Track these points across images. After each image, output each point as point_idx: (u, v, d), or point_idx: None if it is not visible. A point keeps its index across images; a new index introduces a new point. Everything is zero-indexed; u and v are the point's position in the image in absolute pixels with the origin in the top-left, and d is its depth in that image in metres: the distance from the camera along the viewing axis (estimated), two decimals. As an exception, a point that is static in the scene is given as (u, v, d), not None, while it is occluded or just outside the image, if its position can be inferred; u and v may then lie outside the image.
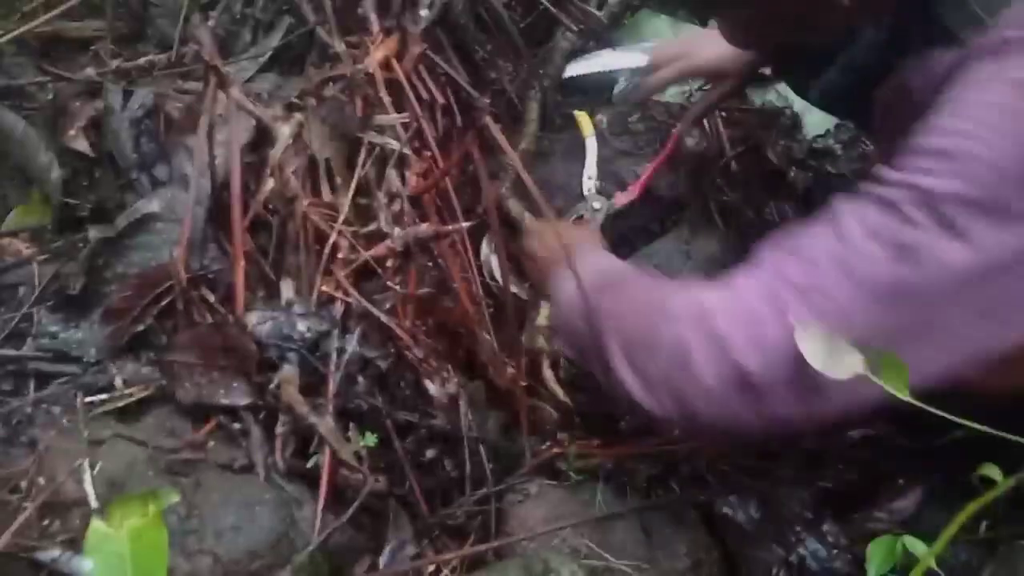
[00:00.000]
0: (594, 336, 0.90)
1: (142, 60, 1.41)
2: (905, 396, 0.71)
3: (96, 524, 0.71)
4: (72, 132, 1.29)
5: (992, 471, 0.77)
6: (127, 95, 1.31)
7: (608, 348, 0.88)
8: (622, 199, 1.43)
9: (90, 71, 1.34)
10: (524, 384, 1.21)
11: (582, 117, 1.52)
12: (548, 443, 1.21)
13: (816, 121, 1.60)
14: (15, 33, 1.39)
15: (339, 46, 1.31)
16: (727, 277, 0.84)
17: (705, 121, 1.56)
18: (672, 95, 1.62)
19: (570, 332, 0.99)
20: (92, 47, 1.50)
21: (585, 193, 1.45)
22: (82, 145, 1.28)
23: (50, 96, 1.35)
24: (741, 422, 0.80)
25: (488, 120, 1.07)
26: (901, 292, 0.76)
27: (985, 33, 0.82)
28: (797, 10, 0.91)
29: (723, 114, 1.60)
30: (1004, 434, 0.73)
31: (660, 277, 1.03)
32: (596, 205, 1.42)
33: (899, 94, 0.92)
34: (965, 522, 0.98)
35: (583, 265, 0.98)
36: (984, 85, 0.78)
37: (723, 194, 1.53)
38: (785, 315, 0.76)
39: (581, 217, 1.41)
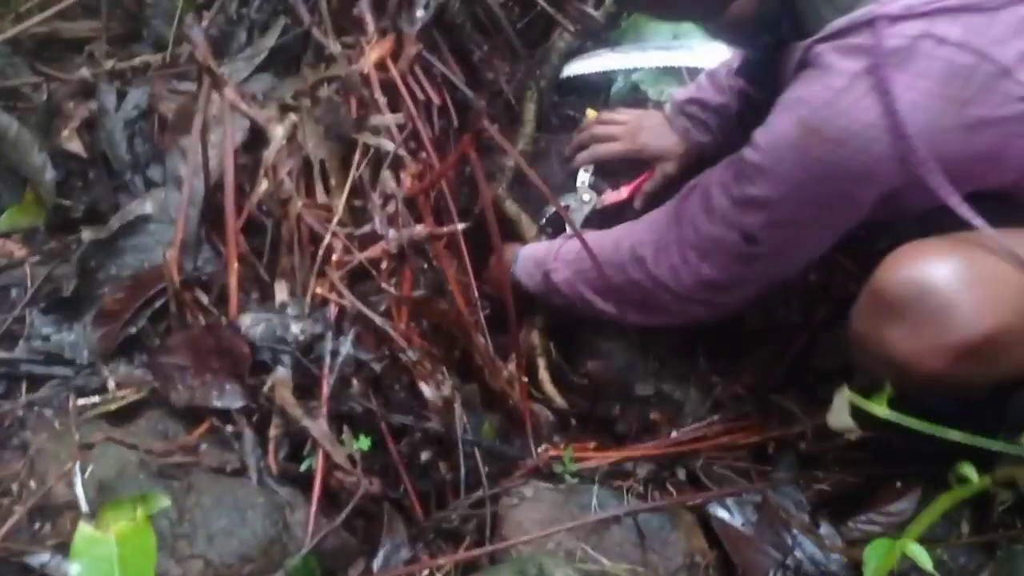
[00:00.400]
0: (570, 301, 1.27)
1: (137, 61, 1.41)
2: (884, 415, 0.84)
3: (84, 527, 0.71)
4: (66, 133, 1.29)
5: (968, 470, 0.79)
6: (121, 96, 1.31)
7: (590, 302, 1.25)
8: (611, 197, 1.44)
9: (84, 72, 1.33)
10: (520, 386, 1.20)
11: (591, 113, 1.52)
12: (544, 446, 1.20)
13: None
14: (10, 33, 1.39)
15: (334, 47, 1.30)
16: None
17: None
18: (671, 94, 1.61)
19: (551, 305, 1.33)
20: (87, 48, 1.50)
21: (577, 185, 1.45)
22: (76, 146, 1.28)
23: (44, 97, 1.35)
24: (689, 314, 1.21)
25: (486, 121, 1.06)
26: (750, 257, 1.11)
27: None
28: None
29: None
30: (977, 440, 0.78)
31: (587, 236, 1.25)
32: (585, 198, 1.43)
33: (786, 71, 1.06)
34: (959, 522, 0.99)
35: (526, 263, 1.33)
36: (787, 111, 1.00)
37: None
38: (690, 264, 1.14)
39: (568, 207, 1.41)
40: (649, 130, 1.45)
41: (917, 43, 0.91)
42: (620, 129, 1.46)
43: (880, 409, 0.91)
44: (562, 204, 1.42)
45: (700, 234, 1.13)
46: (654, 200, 1.41)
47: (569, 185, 1.47)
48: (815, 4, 1.00)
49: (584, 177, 1.46)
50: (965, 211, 0.94)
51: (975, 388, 0.96)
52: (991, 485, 0.94)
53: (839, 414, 0.94)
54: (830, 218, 1.05)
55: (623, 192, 1.44)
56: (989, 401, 0.98)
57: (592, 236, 1.25)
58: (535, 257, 1.33)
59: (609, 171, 1.48)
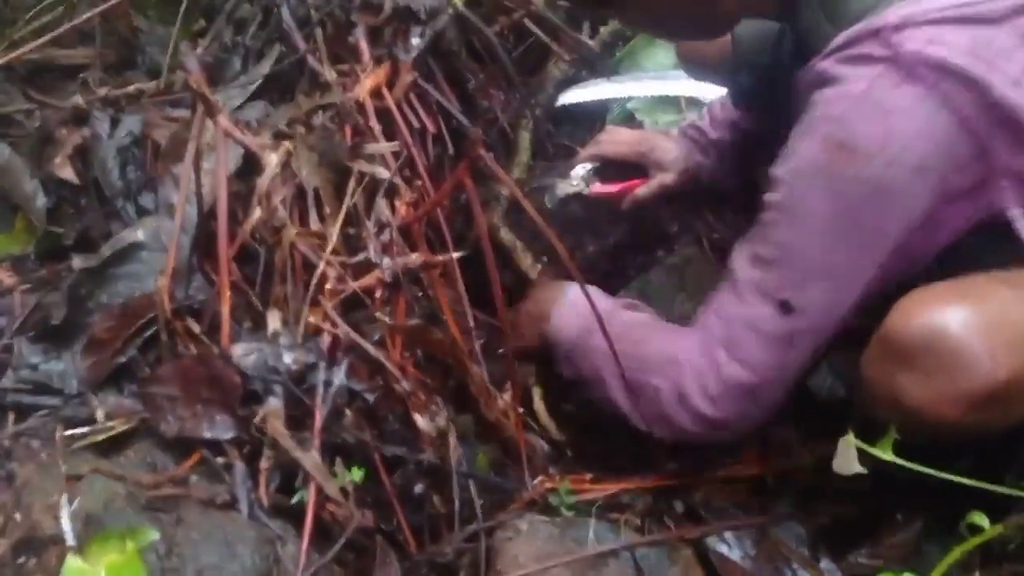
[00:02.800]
0: (593, 371, 1.19)
1: (131, 88, 1.41)
2: (889, 458, 0.85)
3: (72, 560, 0.70)
4: (58, 160, 1.28)
5: (980, 519, 0.78)
6: (114, 123, 1.30)
7: (607, 383, 1.17)
8: (599, 188, 1.44)
9: (78, 98, 1.33)
10: (516, 417, 1.19)
11: None
12: (539, 478, 1.19)
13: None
14: (3, 60, 1.39)
15: (329, 75, 1.30)
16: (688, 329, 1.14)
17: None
18: (667, 123, 1.61)
19: (570, 366, 1.24)
20: (80, 75, 1.49)
21: (571, 172, 1.46)
22: (68, 173, 1.27)
23: (37, 123, 1.34)
24: (714, 437, 1.14)
25: (481, 150, 1.05)
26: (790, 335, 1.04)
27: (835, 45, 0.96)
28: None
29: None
30: (985, 484, 0.77)
31: (640, 316, 1.24)
32: (573, 184, 1.44)
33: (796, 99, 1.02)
34: (963, 561, 0.98)
35: (574, 308, 1.23)
36: (806, 135, 0.96)
37: (716, 226, 1.53)
38: (718, 365, 1.07)
39: (555, 186, 1.43)
40: (655, 141, 1.45)
41: (930, 48, 0.90)
42: (628, 135, 1.47)
43: (887, 455, 0.90)
44: (551, 185, 1.43)
45: (728, 321, 1.06)
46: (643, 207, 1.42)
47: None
48: (817, 18, 0.99)
49: (581, 170, 1.46)
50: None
51: (989, 434, 0.95)
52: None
53: (846, 460, 0.93)
54: (868, 258, 0.99)
55: (613, 188, 1.44)
56: (999, 442, 0.97)
57: (642, 321, 1.21)
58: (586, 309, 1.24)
59: (609, 176, 1.49)
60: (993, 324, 0.92)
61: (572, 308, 1.24)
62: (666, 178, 1.43)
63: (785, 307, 1.01)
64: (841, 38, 0.95)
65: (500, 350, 1.27)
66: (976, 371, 0.89)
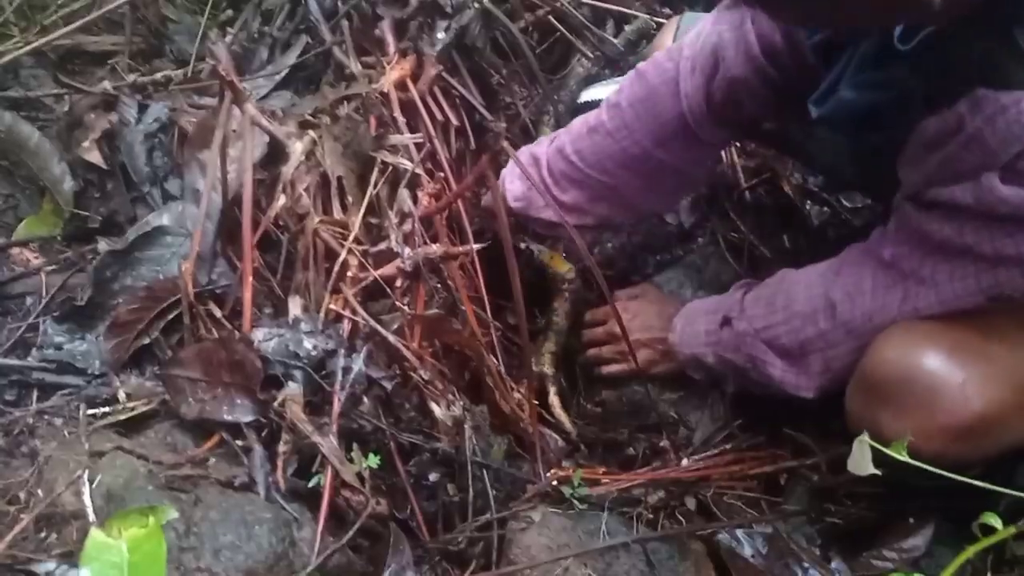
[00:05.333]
0: (749, 359, 1.18)
1: (159, 75, 1.42)
2: (904, 459, 0.83)
3: (95, 533, 0.70)
4: (86, 144, 1.29)
5: (993, 520, 0.78)
6: (142, 109, 1.32)
7: (766, 359, 1.16)
8: None
9: (106, 84, 1.34)
10: (531, 410, 1.19)
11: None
12: (553, 470, 1.19)
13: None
14: (33, 46, 1.40)
15: (355, 66, 1.31)
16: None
17: (721, 152, 1.55)
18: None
19: (714, 364, 1.24)
20: (110, 61, 1.51)
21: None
22: (96, 157, 1.28)
23: (66, 108, 1.36)
24: None
25: (504, 144, 1.06)
26: None
27: None
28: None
29: (738, 144, 1.59)
30: (996, 487, 0.77)
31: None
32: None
33: (956, 131, 0.92)
34: (975, 564, 0.98)
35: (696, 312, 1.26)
36: None
37: (736, 224, 1.53)
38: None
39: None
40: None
41: None
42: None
43: (901, 456, 0.91)
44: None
45: (937, 290, 1.01)
46: None
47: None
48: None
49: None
50: None
51: (973, 465, 0.95)
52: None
53: (861, 461, 0.94)
54: None
55: None
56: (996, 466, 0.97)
57: (783, 279, 1.19)
58: (705, 308, 1.26)
59: None
60: (967, 359, 0.94)
61: (691, 316, 1.26)
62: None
63: (995, 300, 0.98)
64: None
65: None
66: (951, 406, 0.90)
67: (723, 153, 1.57)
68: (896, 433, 0.91)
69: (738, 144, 1.59)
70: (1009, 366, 0.96)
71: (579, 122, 1.34)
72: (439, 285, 1.19)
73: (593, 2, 1.67)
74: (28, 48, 1.40)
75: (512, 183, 1.35)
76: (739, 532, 1.14)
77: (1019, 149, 0.88)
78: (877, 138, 1.05)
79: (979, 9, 0.85)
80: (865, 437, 0.94)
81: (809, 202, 1.57)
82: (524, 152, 1.37)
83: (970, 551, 0.73)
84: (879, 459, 0.91)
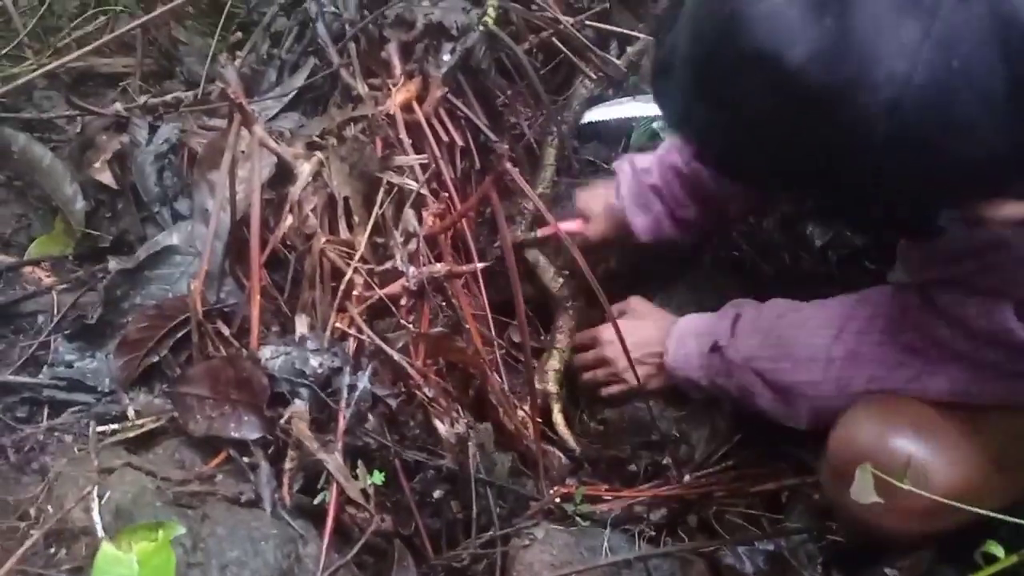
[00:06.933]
0: (739, 388, 1.18)
1: (169, 97, 1.44)
2: (906, 487, 0.84)
3: (106, 547, 0.72)
4: (98, 165, 1.32)
5: (995, 549, 0.79)
6: (153, 130, 1.34)
7: (754, 390, 1.16)
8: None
9: (118, 106, 1.37)
10: (535, 428, 1.20)
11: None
12: (556, 487, 1.20)
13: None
14: (47, 68, 1.43)
15: (362, 88, 1.33)
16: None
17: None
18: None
19: (707, 388, 1.24)
20: (121, 83, 1.54)
21: None
22: (107, 178, 1.30)
23: (78, 129, 1.38)
24: None
25: (508, 164, 1.08)
26: None
27: None
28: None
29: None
30: (1001, 516, 0.78)
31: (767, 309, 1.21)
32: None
33: (970, 255, 0.95)
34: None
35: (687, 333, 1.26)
36: None
37: (738, 242, 1.54)
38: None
39: None
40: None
41: None
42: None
43: (903, 484, 0.91)
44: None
45: (952, 385, 1.01)
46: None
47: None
48: None
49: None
50: None
51: (939, 536, 1.00)
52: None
53: (863, 489, 0.94)
54: None
55: (549, 230, 1.41)
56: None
57: (782, 315, 1.17)
58: (696, 329, 1.26)
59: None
60: (930, 440, 0.96)
61: (683, 337, 1.26)
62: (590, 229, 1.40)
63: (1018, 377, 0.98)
64: None
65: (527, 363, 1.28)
66: (914, 486, 0.88)
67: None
68: (859, 513, 0.93)
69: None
70: (972, 447, 0.98)
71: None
72: (444, 303, 1.20)
73: (596, 24, 1.69)
74: (42, 71, 1.43)
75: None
76: (741, 549, 1.15)
77: None
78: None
79: None
80: (867, 465, 0.95)
81: (811, 223, 1.58)
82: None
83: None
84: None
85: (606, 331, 1.34)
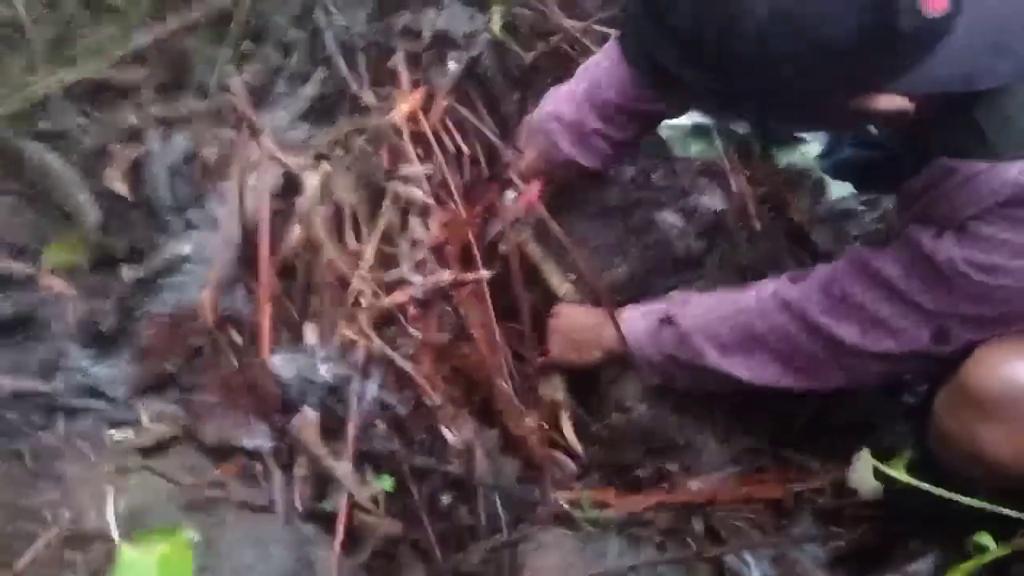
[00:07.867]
0: (688, 354, 1.19)
1: (182, 108, 1.45)
2: (904, 479, 0.88)
3: (126, 549, 0.73)
4: (111, 174, 1.33)
5: (986, 539, 0.79)
6: (165, 140, 1.35)
7: (705, 355, 1.17)
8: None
9: (132, 117, 1.38)
10: (541, 433, 1.21)
11: None
12: (563, 492, 1.21)
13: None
14: (61, 80, 1.44)
15: (370, 98, 1.34)
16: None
17: (731, 178, 1.58)
18: (699, 152, 1.64)
19: (656, 362, 1.24)
20: (134, 94, 1.55)
21: None
22: (120, 187, 1.32)
23: (92, 140, 1.40)
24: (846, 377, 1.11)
25: (512, 174, 1.09)
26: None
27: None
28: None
29: (747, 172, 1.61)
30: (1007, 510, 0.78)
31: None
32: None
33: (927, 188, 0.98)
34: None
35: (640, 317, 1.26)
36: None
37: (744, 249, 1.54)
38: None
39: None
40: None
41: None
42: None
43: (900, 473, 0.92)
44: None
45: (879, 320, 1.03)
46: None
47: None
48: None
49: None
50: None
51: None
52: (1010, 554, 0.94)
53: (862, 477, 0.95)
54: None
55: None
56: None
57: (720, 294, 1.22)
58: (642, 310, 1.27)
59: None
60: None
61: (632, 316, 1.27)
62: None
63: (940, 339, 0.99)
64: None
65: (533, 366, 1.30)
66: None
67: (732, 180, 1.59)
68: (999, 452, 0.92)
69: (748, 172, 1.61)
70: None
71: None
72: (450, 311, 1.22)
73: (601, 28, 1.70)
74: (56, 81, 1.44)
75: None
76: (746, 555, 1.16)
77: (972, 212, 0.92)
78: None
79: (933, 110, 0.90)
80: (866, 452, 0.96)
81: (817, 228, 1.59)
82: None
83: (959, 573, 0.74)
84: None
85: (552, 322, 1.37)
